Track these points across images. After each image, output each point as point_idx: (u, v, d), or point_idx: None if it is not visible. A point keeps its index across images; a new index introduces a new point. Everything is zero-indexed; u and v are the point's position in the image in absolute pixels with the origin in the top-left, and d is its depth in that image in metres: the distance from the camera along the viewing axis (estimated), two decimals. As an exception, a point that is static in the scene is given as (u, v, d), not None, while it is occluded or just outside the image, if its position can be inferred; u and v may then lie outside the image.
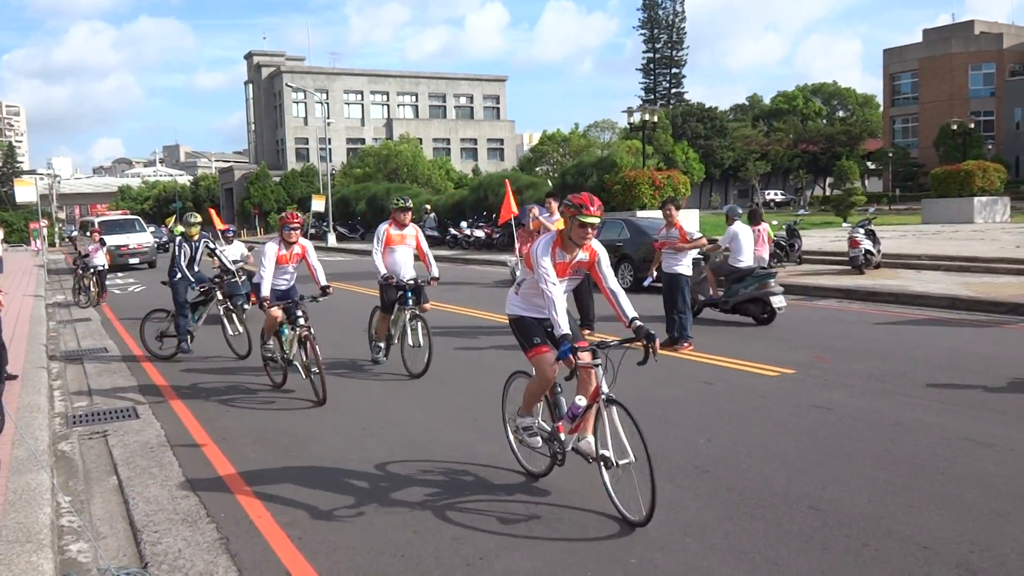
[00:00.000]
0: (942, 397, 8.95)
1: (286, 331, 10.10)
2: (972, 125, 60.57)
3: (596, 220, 6.04)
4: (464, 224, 39.89)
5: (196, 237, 13.34)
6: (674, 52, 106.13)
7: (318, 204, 52.95)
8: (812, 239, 29.74)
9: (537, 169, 68.99)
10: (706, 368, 10.87)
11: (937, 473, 6.54)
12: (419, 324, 10.94)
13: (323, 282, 10.42)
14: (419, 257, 11.73)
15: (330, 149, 68.85)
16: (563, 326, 5.90)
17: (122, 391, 10.67)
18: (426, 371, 10.81)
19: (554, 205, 14.81)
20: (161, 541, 5.71)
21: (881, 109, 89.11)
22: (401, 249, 11.34)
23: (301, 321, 9.83)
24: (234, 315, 13.12)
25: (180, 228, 15.66)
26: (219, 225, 21.06)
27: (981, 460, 6.81)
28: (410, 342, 10.97)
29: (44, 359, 12.42)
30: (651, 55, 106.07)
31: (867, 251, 21.23)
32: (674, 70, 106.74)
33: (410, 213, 11.41)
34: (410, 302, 11.00)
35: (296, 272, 10.76)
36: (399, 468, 7.15)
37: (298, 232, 10.42)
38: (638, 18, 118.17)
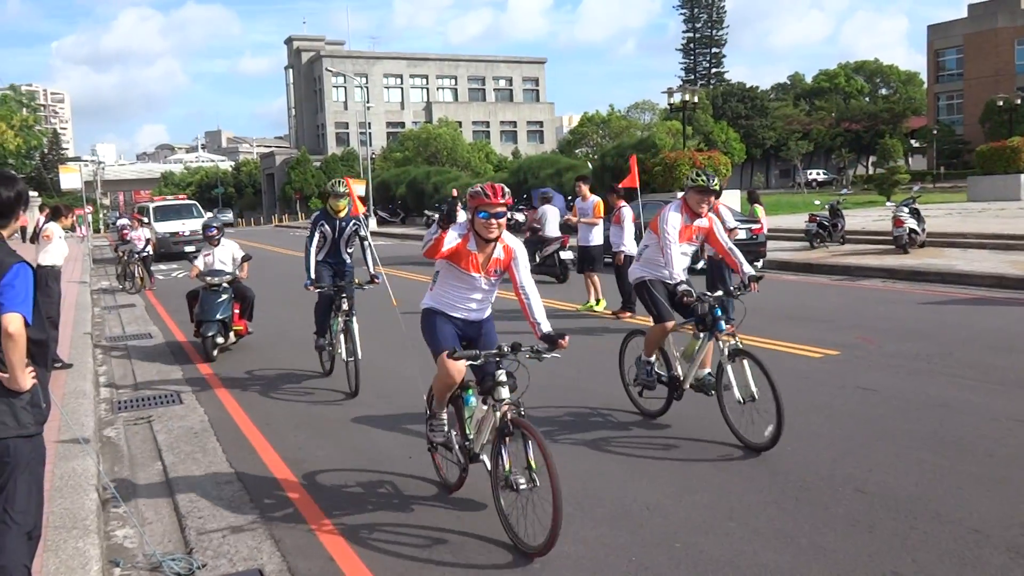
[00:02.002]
0: (990, 377, 8.79)
1: (471, 400, 5.92)
2: (1019, 101, 59.26)
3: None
4: (503, 207, 39.74)
5: (342, 215, 10.05)
6: (714, 31, 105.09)
7: (359, 188, 53.00)
8: (855, 219, 29.36)
9: (577, 151, 68.76)
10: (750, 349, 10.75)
11: (986, 455, 6.42)
12: (746, 361, 6.97)
13: (546, 326, 5.64)
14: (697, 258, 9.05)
15: (370, 133, 69.08)
16: None
17: (166, 377, 10.77)
18: (777, 439, 6.61)
19: (584, 188, 14.71)
20: (205, 527, 5.75)
21: (925, 86, 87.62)
22: (686, 248, 7.74)
23: (503, 392, 5.42)
24: (351, 335, 9.51)
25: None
26: (358, 207, 11.76)
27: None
28: (738, 396, 6.91)
29: (89, 345, 12.58)
30: (691, 35, 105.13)
31: (911, 230, 20.90)
32: (714, 50, 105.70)
33: (712, 197, 7.73)
34: (724, 325, 7.24)
35: (494, 291, 6.07)
36: (440, 452, 7.14)
37: (503, 222, 5.72)
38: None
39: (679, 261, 7.46)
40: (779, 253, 21.97)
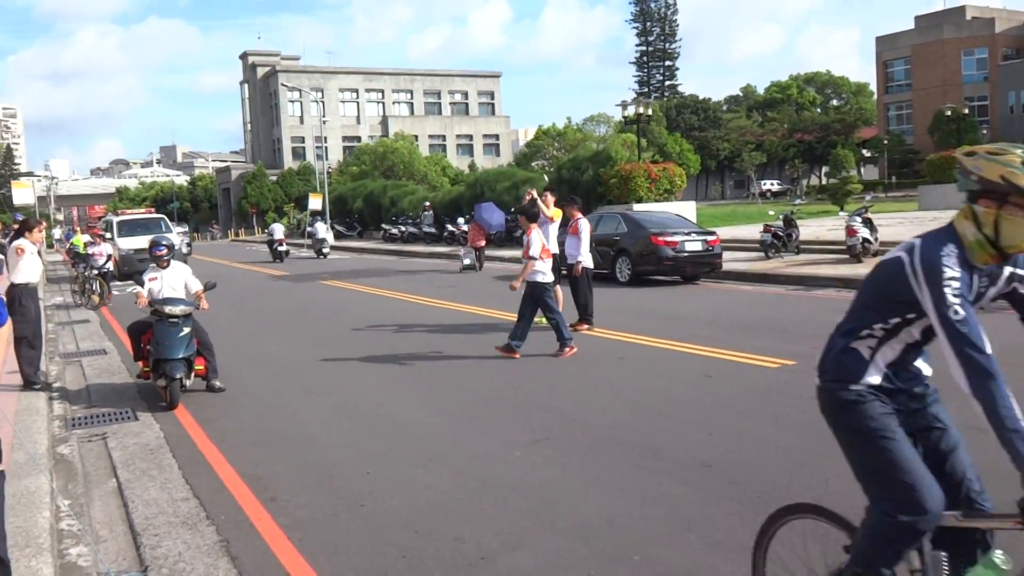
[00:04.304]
0: (946, 385, 8.89)
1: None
2: (966, 110, 60.50)
3: None
4: (461, 220, 39.83)
5: None
6: (667, 45, 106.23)
7: (315, 203, 52.99)
8: (809, 228, 29.72)
9: (533, 164, 68.99)
10: (705, 361, 10.83)
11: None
12: None
13: None
14: None
15: (326, 147, 68.73)
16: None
17: (121, 393, 10.63)
18: None
19: (550, 199, 14.75)
20: (161, 544, 5.68)
21: (875, 97, 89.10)
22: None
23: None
24: None
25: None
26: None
27: (995, 449, 6.76)
28: None
29: (43, 361, 12.36)
30: (644, 48, 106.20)
31: (865, 239, 21.18)
32: (667, 63, 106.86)
33: None
34: None
35: None
36: (400, 468, 7.11)
37: None
38: (630, 12, 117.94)
39: None
40: (735, 264, 22.17)
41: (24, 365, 10.46)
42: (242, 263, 37.71)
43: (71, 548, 5.77)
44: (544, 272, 11.93)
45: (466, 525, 5.76)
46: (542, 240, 12.16)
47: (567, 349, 11.68)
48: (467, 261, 26.61)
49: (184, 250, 35.55)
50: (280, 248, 37.37)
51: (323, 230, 40.10)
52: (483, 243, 26.59)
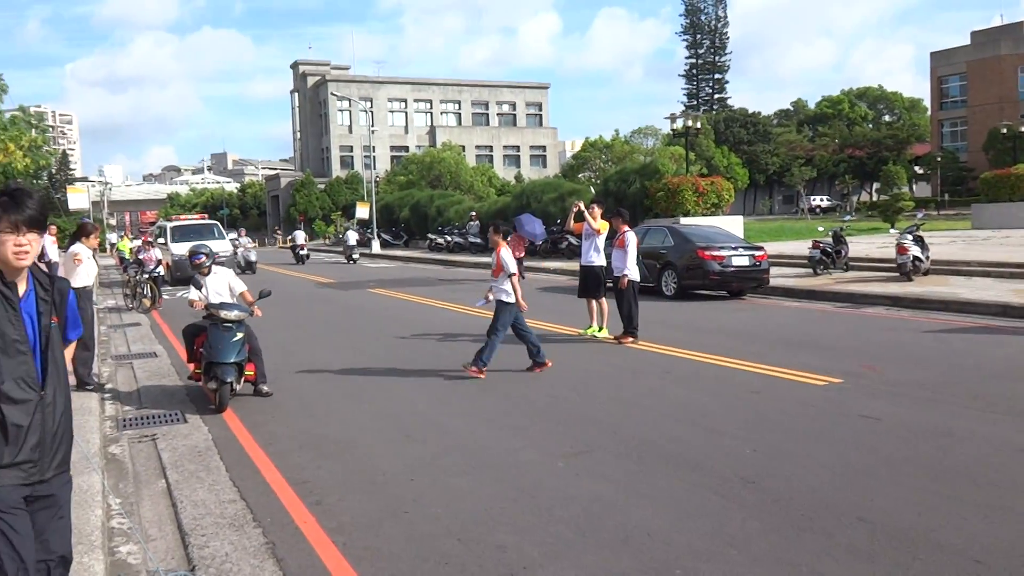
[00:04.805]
0: (994, 407, 8.80)
1: None
2: (1022, 128, 59.47)
3: None
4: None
5: None
6: (717, 58, 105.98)
7: (362, 211, 53.59)
8: (859, 245, 29.41)
9: (580, 176, 68.98)
10: (750, 376, 10.77)
11: (989, 484, 6.42)
12: None
13: None
14: None
15: (374, 157, 69.31)
16: None
17: (171, 395, 10.81)
18: None
19: (597, 211, 14.77)
20: (208, 545, 5.78)
21: (929, 113, 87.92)
22: None
23: None
24: None
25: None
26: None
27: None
28: None
29: (96, 363, 12.60)
30: (694, 61, 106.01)
31: (915, 257, 20.93)
32: (717, 76, 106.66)
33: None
34: None
35: None
36: (443, 475, 7.16)
37: None
38: (681, 24, 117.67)
39: None
40: (782, 279, 22.01)
41: (78, 366, 10.68)
42: (288, 270, 38.09)
43: (121, 546, 5.90)
44: (509, 292, 11.69)
45: (508, 534, 5.79)
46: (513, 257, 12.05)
47: (474, 369, 11.31)
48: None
49: (252, 257, 35.93)
50: (301, 252, 42.95)
51: (353, 238, 44.53)
52: (522, 254, 26.70)
